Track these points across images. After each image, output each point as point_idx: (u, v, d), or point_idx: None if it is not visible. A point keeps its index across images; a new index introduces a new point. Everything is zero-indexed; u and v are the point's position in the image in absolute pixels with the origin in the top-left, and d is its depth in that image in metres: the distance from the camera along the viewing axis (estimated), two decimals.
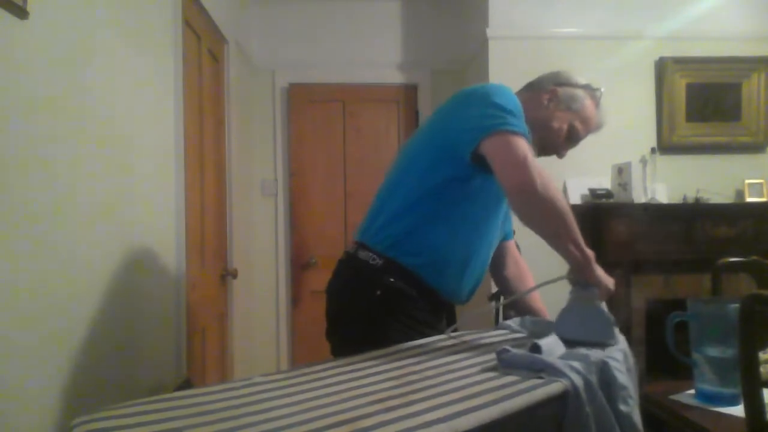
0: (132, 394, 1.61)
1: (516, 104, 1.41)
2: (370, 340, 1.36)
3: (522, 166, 1.29)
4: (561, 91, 1.57)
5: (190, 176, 2.22)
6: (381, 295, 1.43)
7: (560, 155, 1.62)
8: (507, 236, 1.76)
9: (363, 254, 1.48)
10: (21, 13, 1.11)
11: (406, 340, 1.36)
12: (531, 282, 1.74)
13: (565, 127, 1.57)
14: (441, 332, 1.47)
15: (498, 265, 1.74)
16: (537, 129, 1.52)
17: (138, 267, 1.73)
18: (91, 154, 1.43)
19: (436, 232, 1.45)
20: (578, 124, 1.57)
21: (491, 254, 1.61)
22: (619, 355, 1.21)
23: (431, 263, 1.46)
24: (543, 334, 1.24)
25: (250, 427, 0.83)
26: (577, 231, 1.34)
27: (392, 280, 1.44)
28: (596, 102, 1.60)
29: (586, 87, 1.60)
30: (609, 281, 1.36)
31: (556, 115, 1.56)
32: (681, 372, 1.62)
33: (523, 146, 1.32)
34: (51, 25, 1.24)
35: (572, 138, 1.59)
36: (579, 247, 1.33)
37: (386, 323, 1.43)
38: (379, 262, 1.45)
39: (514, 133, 1.33)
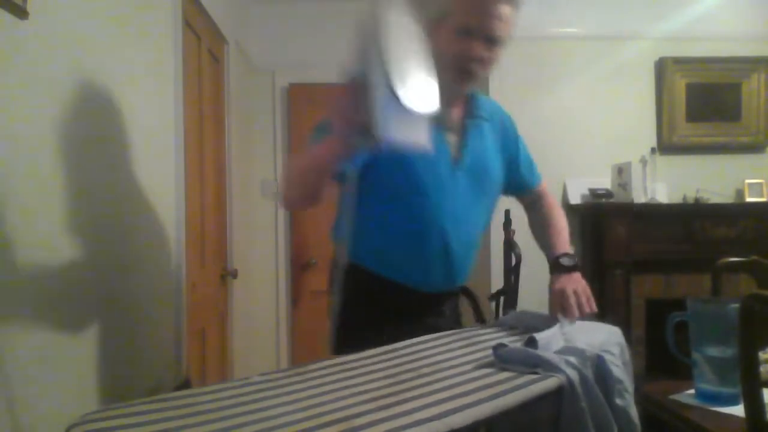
0: (132, 394, 1.61)
1: None
2: (344, 339, 1.37)
3: None
4: (431, 16, 1.39)
5: (190, 176, 2.22)
6: (346, 293, 1.43)
7: (476, 56, 1.34)
8: (524, 187, 1.61)
9: (336, 252, 1.50)
10: (21, 13, 1.11)
11: (375, 337, 1.30)
12: (552, 228, 1.56)
13: (445, 39, 1.34)
14: (426, 325, 1.39)
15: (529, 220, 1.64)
16: (436, 61, 1.29)
17: (138, 267, 1.73)
18: (91, 154, 1.43)
19: (364, 224, 1.40)
20: (458, 17, 1.34)
21: (474, 224, 1.46)
22: (615, 349, 1.21)
23: (377, 254, 1.41)
24: (540, 329, 1.24)
25: (243, 427, 0.83)
26: (306, 157, 1.30)
27: (353, 277, 1.42)
28: None
29: None
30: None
31: (435, 37, 1.34)
32: (681, 372, 1.62)
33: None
34: (51, 26, 1.24)
35: (462, 30, 1.33)
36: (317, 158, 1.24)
37: (352, 327, 1.40)
38: (344, 260, 1.45)
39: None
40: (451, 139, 1.42)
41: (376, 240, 1.40)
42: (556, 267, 1.42)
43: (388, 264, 1.41)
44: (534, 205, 1.63)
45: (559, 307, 1.33)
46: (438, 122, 1.35)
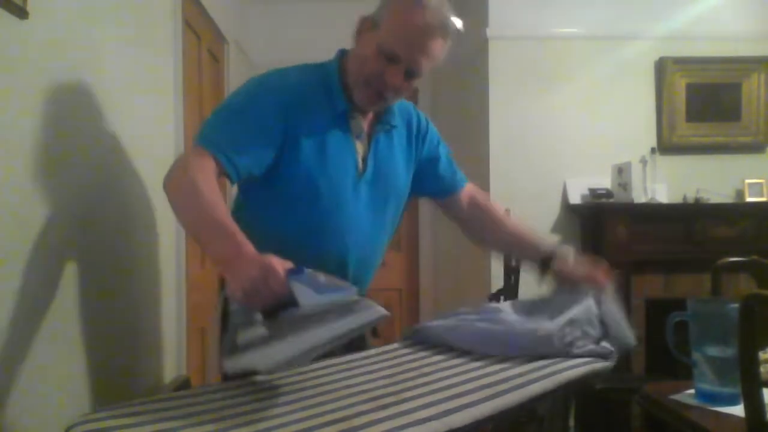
0: (132, 394, 1.61)
1: (241, 92, 1.27)
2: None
3: (171, 168, 1.19)
4: (371, 15, 1.29)
5: None
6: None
7: (390, 83, 1.26)
8: (446, 189, 1.52)
9: None
10: (21, 13, 1.11)
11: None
12: (523, 227, 1.51)
13: (369, 51, 1.26)
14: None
15: (467, 228, 1.56)
16: (354, 69, 1.30)
17: (138, 267, 1.73)
18: (90, 154, 1.43)
19: (259, 232, 1.15)
20: (387, 37, 1.23)
21: (373, 237, 1.37)
22: None
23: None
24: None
25: (243, 427, 0.84)
26: (207, 225, 1.09)
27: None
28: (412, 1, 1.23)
29: None
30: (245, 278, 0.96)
31: (363, 41, 1.29)
32: (681, 372, 1.62)
33: (187, 154, 1.26)
34: (51, 26, 1.24)
35: (386, 52, 1.23)
36: (206, 243, 1.11)
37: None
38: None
39: (193, 146, 1.23)
40: (360, 148, 1.35)
41: (270, 248, 1.19)
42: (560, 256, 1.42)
43: None
44: (475, 210, 1.54)
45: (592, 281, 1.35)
46: (349, 129, 1.33)
